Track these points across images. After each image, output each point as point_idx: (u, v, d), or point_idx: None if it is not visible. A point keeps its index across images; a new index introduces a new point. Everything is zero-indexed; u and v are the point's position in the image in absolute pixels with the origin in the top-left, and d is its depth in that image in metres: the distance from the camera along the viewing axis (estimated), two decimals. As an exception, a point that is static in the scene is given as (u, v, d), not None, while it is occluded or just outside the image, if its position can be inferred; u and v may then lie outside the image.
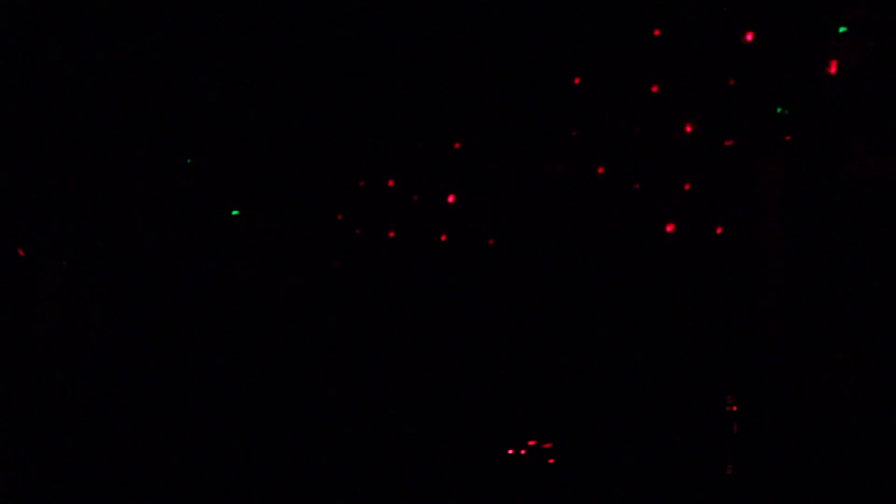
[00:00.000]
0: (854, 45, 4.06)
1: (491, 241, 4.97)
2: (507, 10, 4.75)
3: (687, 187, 4.64)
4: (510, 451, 4.39)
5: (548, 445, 4.37)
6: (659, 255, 4.67)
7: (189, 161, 4.66)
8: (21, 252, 4.17)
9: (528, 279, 4.96)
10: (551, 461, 4.34)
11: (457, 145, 5.08)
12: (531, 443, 4.39)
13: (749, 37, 4.43)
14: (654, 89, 4.73)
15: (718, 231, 4.51)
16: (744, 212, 4.52)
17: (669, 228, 4.65)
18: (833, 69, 4.07)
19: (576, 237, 4.95)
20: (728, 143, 4.57)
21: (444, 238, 5.13)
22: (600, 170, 4.90)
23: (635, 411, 4.29)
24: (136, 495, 3.98)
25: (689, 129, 4.61)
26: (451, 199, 5.10)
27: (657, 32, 4.70)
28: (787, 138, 3.99)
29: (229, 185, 4.65)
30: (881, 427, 3.68)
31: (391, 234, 5.24)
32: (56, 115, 4.67)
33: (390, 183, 5.31)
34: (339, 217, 5.23)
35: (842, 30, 2.50)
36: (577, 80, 4.99)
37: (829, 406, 3.80)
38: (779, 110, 2.40)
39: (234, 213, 3.19)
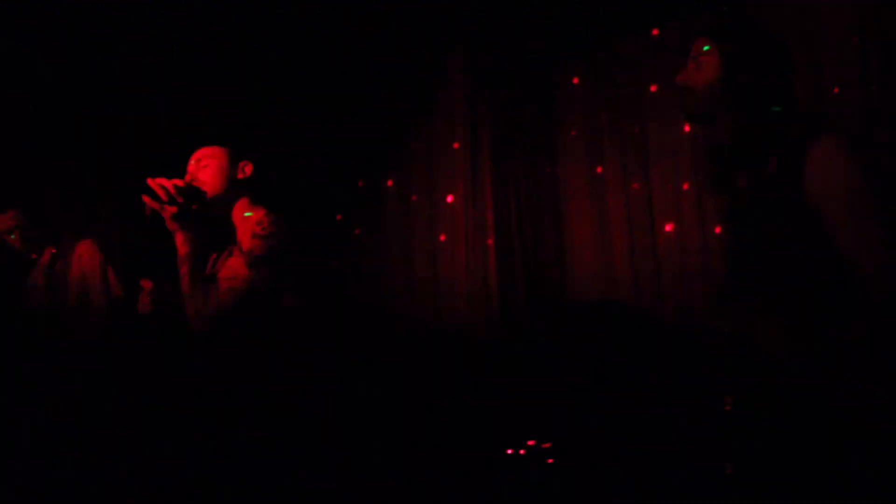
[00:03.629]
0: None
1: (490, 241, 4.98)
2: (507, 9, 4.76)
3: (686, 187, 4.64)
4: (509, 451, 4.39)
5: (547, 445, 4.37)
6: (659, 255, 4.69)
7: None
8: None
9: (529, 279, 4.98)
10: (550, 461, 4.34)
11: (456, 145, 5.10)
12: (530, 442, 4.39)
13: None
14: (654, 89, 4.74)
15: (718, 231, 4.51)
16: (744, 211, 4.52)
17: (669, 228, 4.65)
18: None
19: (576, 237, 4.96)
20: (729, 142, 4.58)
21: (443, 238, 5.14)
22: (599, 169, 4.91)
23: (635, 411, 4.29)
24: (135, 495, 3.99)
25: (688, 128, 4.62)
26: (450, 199, 5.11)
27: (657, 32, 4.71)
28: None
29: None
30: (882, 427, 3.68)
31: (391, 235, 5.26)
32: (58, 114, 4.69)
33: (389, 183, 5.33)
34: (339, 217, 5.25)
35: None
36: (576, 80, 5.01)
37: (829, 405, 3.80)
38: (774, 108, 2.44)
39: (247, 214, 3.22)
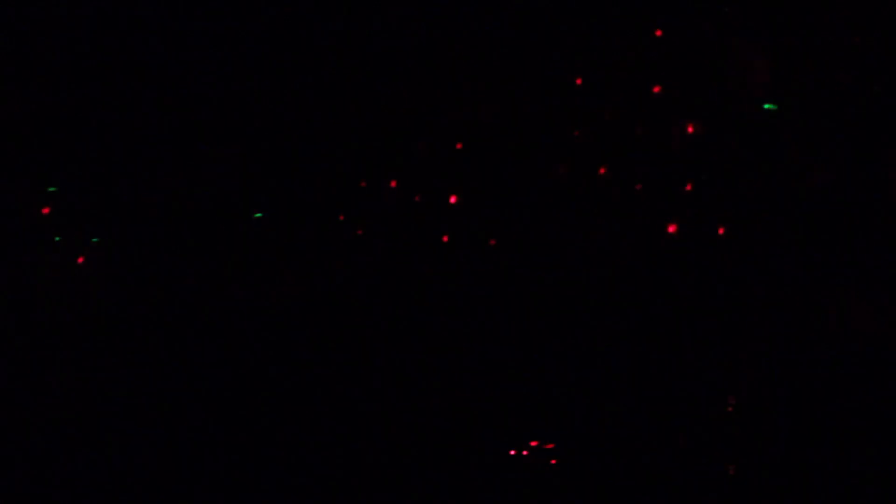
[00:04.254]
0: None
1: (493, 242, 4.97)
2: (507, 9, 4.75)
3: (688, 187, 4.64)
4: (512, 452, 4.38)
5: (550, 446, 4.37)
6: (660, 256, 4.67)
7: (191, 162, 4.67)
8: None
9: (530, 280, 4.96)
10: (553, 462, 4.34)
11: (458, 145, 5.08)
12: (533, 444, 4.39)
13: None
14: (656, 89, 4.73)
15: (720, 231, 4.51)
16: (745, 212, 4.53)
17: (671, 229, 4.64)
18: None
19: (577, 237, 4.94)
20: (729, 142, 4.58)
21: (445, 239, 5.12)
22: (601, 170, 4.90)
23: (636, 412, 4.28)
24: (135, 495, 3.99)
25: (690, 129, 4.62)
26: (452, 199, 5.10)
27: (658, 33, 4.71)
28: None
29: (229, 185, 4.66)
30: (883, 427, 3.68)
31: (392, 235, 5.24)
32: (61, 114, 4.68)
33: (392, 184, 5.31)
34: (341, 218, 5.23)
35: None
36: (578, 81, 5.00)
37: (830, 406, 3.80)
38: (766, 106, 2.42)
39: (257, 215, 3.21)
